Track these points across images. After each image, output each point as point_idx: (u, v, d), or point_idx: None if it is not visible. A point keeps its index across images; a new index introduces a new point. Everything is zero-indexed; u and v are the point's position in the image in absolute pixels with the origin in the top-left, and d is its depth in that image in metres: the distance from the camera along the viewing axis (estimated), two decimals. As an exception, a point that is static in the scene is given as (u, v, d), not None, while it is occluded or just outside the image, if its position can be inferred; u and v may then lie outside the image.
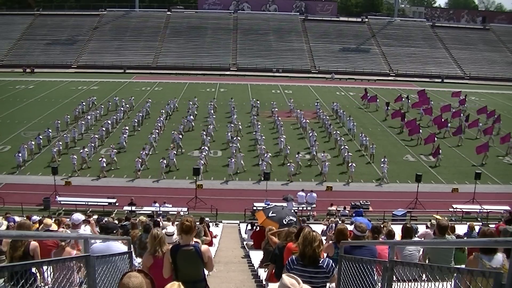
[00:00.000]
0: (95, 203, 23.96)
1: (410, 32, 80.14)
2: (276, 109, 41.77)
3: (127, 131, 33.41)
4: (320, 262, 4.94)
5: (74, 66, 65.87)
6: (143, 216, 15.25)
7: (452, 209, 24.67)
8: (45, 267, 4.26)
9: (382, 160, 29.21)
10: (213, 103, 43.01)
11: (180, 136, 32.73)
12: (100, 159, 28.27)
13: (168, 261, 5.36)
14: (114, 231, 7.25)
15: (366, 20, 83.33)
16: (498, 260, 5.18)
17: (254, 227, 17.38)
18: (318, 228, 15.38)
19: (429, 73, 68.91)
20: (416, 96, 49.03)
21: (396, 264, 4.47)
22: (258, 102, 43.36)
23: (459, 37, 79.89)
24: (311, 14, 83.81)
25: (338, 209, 23.29)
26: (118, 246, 6.28)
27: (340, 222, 15.39)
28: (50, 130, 33.46)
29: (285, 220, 13.05)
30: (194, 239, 5.48)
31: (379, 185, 28.45)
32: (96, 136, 33.01)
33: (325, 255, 6.14)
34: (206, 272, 5.76)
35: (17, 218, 15.95)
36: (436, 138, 34.11)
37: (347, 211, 23.08)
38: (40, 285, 4.76)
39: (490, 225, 13.24)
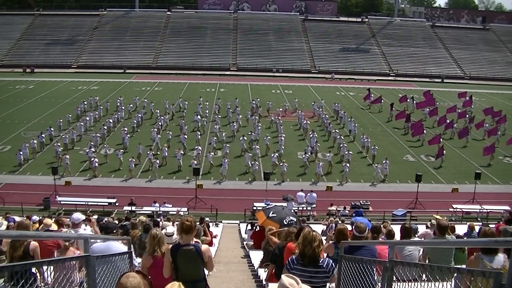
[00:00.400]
0: (95, 203, 23.96)
1: (410, 32, 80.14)
2: (280, 109, 41.87)
3: (126, 131, 33.43)
4: (320, 261, 4.94)
5: (74, 66, 65.86)
6: (143, 216, 15.25)
7: (452, 209, 24.67)
8: (45, 267, 4.26)
9: (384, 162, 29.17)
10: (218, 103, 43.03)
11: (185, 136, 32.76)
12: (92, 159, 28.37)
13: (168, 260, 5.36)
14: (114, 231, 7.25)
15: (366, 20, 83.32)
16: (499, 261, 5.17)
17: (254, 227, 17.37)
18: (318, 228, 15.37)
19: (429, 73, 68.90)
20: (419, 96, 48.68)
21: (396, 264, 4.47)
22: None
23: (459, 37, 79.89)
24: (311, 14, 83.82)
25: (338, 209, 23.27)
26: (118, 246, 6.28)
27: (340, 222, 15.39)
28: (52, 129, 33.69)
29: (286, 220, 13.04)
30: (194, 239, 5.48)
31: (372, 185, 28.44)
32: (98, 135, 33.12)
33: (325, 255, 6.14)
34: (206, 272, 5.76)
35: (17, 218, 15.94)
36: (441, 139, 33.96)
37: (347, 211, 23.07)
38: (40, 285, 4.76)
39: (490, 225, 13.25)
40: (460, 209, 24.65)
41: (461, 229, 13.42)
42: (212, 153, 30.66)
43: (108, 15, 79.02)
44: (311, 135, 34.05)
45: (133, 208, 23.02)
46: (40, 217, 15.98)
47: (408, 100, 47.14)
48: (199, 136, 33.13)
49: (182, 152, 29.99)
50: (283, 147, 31.66)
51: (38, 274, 4.74)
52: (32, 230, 8.64)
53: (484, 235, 6.19)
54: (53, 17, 77.23)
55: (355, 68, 68.57)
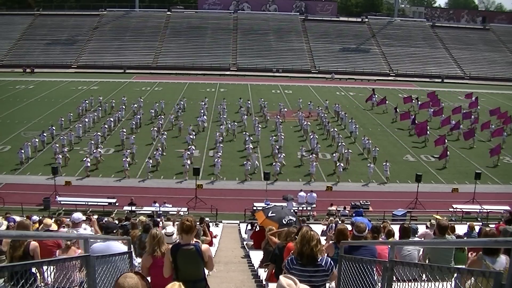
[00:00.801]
0: (95, 203, 23.95)
1: (410, 32, 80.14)
2: (285, 109, 41.84)
3: (125, 132, 33.39)
4: (319, 260, 4.95)
5: (74, 66, 65.87)
6: (143, 216, 15.25)
7: (452, 209, 24.66)
8: (45, 267, 4.26)
9: (384, 164, 29.11)
10: (223, 104, 43.14)
11: (191, 137, 32.76)
12: (84, 159, 28.43)
13: (168, 260, 5.36)
14: (114, 231, 7.25)
15: (366, 20, 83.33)
16: (501, 263, 5.15)
17: (254, 227, 17.36)
18: (318, 228, 15.38)
19: (429, 73, 68.91)
20: (423, 97, 48.47)
21: (396, 264, 4.47)
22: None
23: (459, 37, 79.90)
24: (311, 14, 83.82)
25: (338, 209, 23.26)
26: (118, 246, 6.28)
27: (340, 222, 15.39)
28: (54, 128, 33.91)
29: (285, 220, 13.03)
30: (194, 239, 5.48)
31: (365, 185, 28.43)
32: (99, 134, 33.20)
33: (325, 254, 6.14)
34: (206, 271, 5.76)
35: (17, 218, 15.93)
36: (446, 140, 33.89)
37: (347, 211, 23.07)
38: (40, 285, 4.76)
39: (490, 225, 13.26)
40: (460, 209, 24.64)
41: (461, 229, 13.40)
42: (220, 153, 30.53)
43: (108, 15, 79.03)
44: (311, 136, 34.05)
45: (133, 208, 23.02)
46: (40, 217, 15.99)
47: (413, 101, 46.88)
48: (194, 136, 33.27)
49: (189, 153, 29.68)
50: (277, 147, 31.70)
51: (38, 274, 4.74)
52: (32, 230, 8.64)
53: (486, 236, 6.18)
54: (53, 17, 77.23)
55: (355, 68, 68.57)
